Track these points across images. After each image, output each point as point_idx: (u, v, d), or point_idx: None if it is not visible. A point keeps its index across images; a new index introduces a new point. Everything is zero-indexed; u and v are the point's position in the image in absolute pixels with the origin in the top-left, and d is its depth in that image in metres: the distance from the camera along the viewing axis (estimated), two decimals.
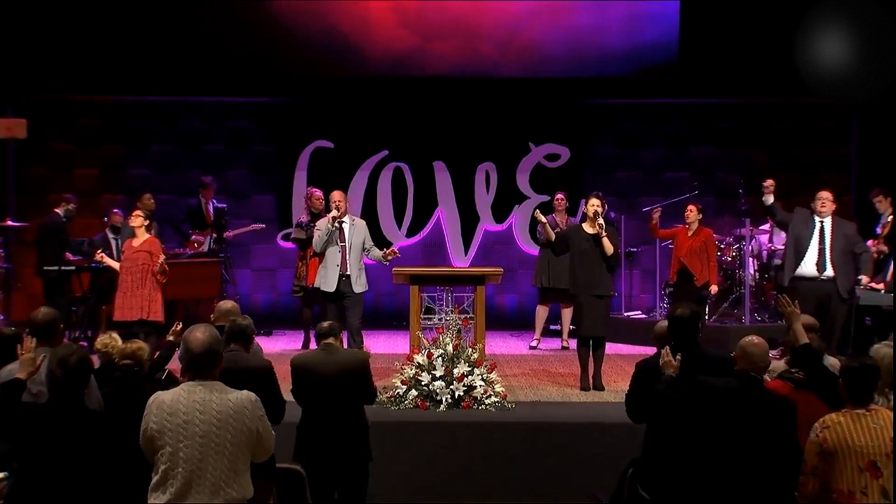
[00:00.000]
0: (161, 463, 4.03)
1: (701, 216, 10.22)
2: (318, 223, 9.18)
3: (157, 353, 6.57)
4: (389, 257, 8.91)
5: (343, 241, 8.94)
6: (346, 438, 5.87)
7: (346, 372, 5.89)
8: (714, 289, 10.14)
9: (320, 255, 9.05)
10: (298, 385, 5.99)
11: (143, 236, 9.37)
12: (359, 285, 8.94)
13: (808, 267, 8.96)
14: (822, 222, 8.99)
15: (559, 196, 11.10)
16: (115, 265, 9.48)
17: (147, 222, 9.46)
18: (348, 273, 8.87)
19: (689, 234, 10.17)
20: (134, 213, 9.53)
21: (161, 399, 4.07)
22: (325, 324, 6.18)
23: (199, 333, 4.13)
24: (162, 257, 9.27)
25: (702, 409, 4.77)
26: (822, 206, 8.98)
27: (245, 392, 4.14)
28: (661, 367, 5.27)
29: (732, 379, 4.89)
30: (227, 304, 6.43)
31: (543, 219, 8.92)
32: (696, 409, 4.79)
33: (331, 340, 6.02)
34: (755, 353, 4.87)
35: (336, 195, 9.05)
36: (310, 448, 5.88)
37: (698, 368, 5.15)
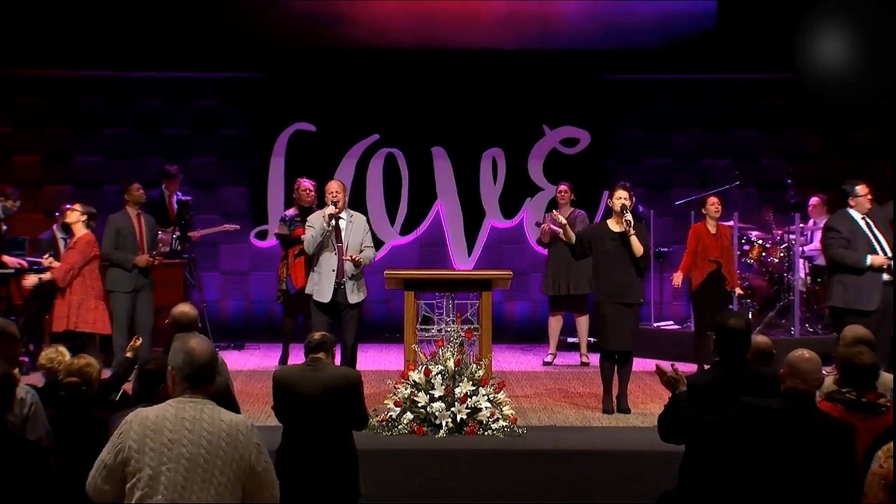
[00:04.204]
0: (137, 489, 3.94)
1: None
2: (309, 219, 9.10)
3: (112, 372, 6.59)
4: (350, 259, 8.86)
5: (339, 241, 8.90)
6: (329, 470, 5.87)
7: (331, 392, 5.89)
8: (740, 291, 10.55)
9: (314, 257, 9.00)
10: (279, 403, 6.01)
11: (80, 233, 9.38)
12: (356, 294, 8.87)
13: None
14: (864, 219, 9.03)
15: (562, 188, 11.12)
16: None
17: (84, 217, 9.46)
18: (345, 280, 8.85)
19: (713, 231, 10.20)
20: (71, 208, 9.53)
21: (145, 414, 4.03)
22: (317, 335, 6.16)
23: (195, 343, 4.14)
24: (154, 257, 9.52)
25: (748, 435, 4.77)
26: (870, 202, 9.05)
27: (241, 416, 4.15)
28: (668, 384, 5.35)
29: (780, 400, 4.90)
30: (184, 310, 6.34)
31: (562, 219, 8.93)
32: (741, 436, 4.79)
33: (320, 355, 6.03)
34: (807, 369, 4.87)
35: (333, 185, 8.98)
36: (288, 477, 5.87)
37: (747, 389, 5.16)
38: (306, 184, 10.81)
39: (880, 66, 9.59)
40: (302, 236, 10.31)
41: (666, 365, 5.53)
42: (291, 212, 10.89)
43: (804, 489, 4.68)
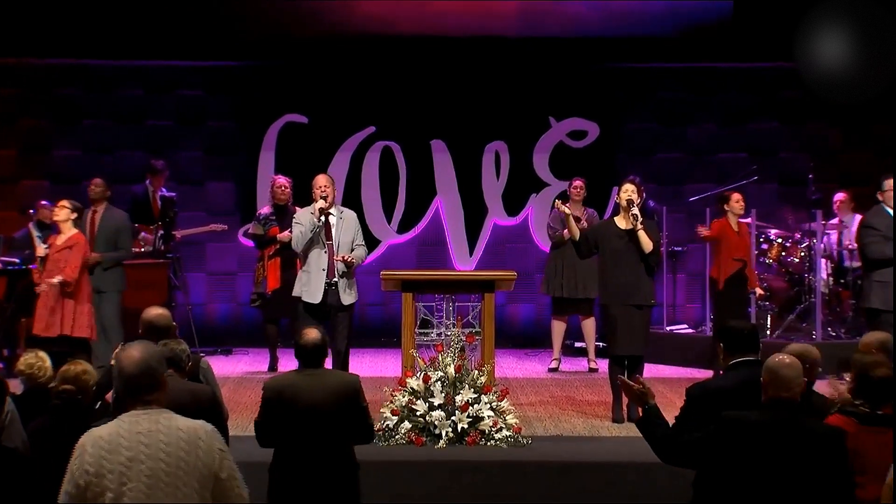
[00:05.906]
0: None
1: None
2: (297, 215, 9.15)
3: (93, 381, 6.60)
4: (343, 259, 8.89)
5: (329, 238, 8.94)
6: (333, 483, 5.77)
7: (334, 399, 5.79)
8: (760, 292, 10.75)
9: (302, 256, 9.03)
10: (273, 416, 5.84)
11: (68, 232, 9.44)
12: (348, 295, 8.91)
13: None
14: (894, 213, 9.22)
15: (577, 183, 11.12)
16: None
17: (74, 215, 9.51)
18: (336, 280, 8.89)
19: (737, 229, 10.22)
20: (59, 204, 9.57)
21: (97, 435, 4.03)
22: (311, 336, 5.94)
23: (135, 352, 4.15)
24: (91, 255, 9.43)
25: (732, 450, 4.81)
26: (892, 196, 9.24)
27: (200, 421, 4.15)
28: (636, 398, 5.36)
29: (763, 411, 4.91)
30: (157, 312, 6.35)
31: (567, 209, 8.95)
32: (725, 451, 4.83)
33: (317, 362, 5.97)
34: (789, 375, 4.88)
35: (322, 180, 9.02)
36: (289, 496, 5.81)
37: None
38: (281, 180, 10.84)
39: (880, 66, 9.79)
40: (277, 236, 10.40)
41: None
42: (266, 210, 10.93)
43: (797, 501, 4.73)
